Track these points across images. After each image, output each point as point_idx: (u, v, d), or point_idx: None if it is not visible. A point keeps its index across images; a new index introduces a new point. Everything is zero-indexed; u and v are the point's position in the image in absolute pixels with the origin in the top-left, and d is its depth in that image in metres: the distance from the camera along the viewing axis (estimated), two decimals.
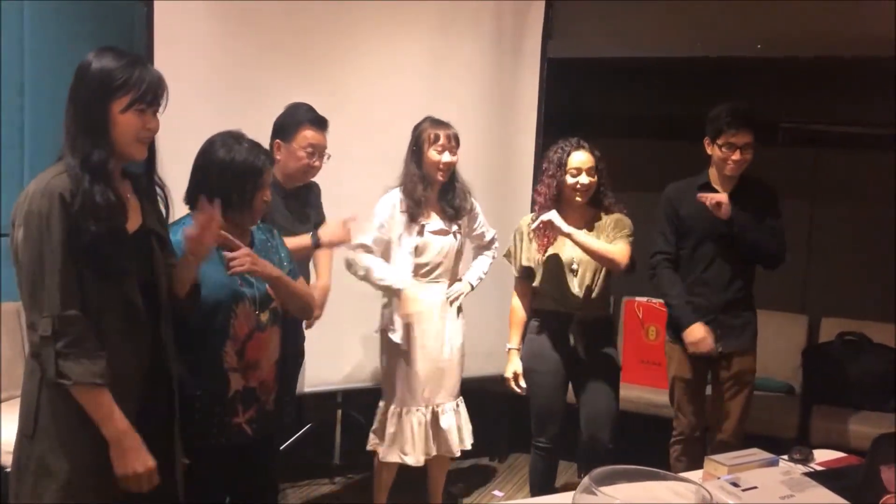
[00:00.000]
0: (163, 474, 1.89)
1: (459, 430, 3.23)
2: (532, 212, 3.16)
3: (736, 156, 3.05)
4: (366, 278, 3.05)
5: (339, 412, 3.94)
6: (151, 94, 1.83)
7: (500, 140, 3.93)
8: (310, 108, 2.92)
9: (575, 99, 4.46)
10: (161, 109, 1.88)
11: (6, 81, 3.30)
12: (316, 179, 3.05)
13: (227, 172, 2.16)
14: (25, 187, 1.79)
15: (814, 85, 4.35)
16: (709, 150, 3.14)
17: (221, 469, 2.25)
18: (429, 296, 3.13)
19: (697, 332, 3.08)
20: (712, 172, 3.18)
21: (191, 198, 2.21)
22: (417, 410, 3.14)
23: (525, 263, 3.10)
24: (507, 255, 3.21)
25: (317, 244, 2.88)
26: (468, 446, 3.29)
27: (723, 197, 3.01)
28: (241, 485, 2.33)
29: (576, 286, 3.01)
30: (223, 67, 3.37)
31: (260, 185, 2.21)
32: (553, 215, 2.88)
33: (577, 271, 3.02)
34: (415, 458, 3.15)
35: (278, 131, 2.89)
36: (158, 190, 1.99)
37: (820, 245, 4.45)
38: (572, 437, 3.19)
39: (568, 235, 2.88)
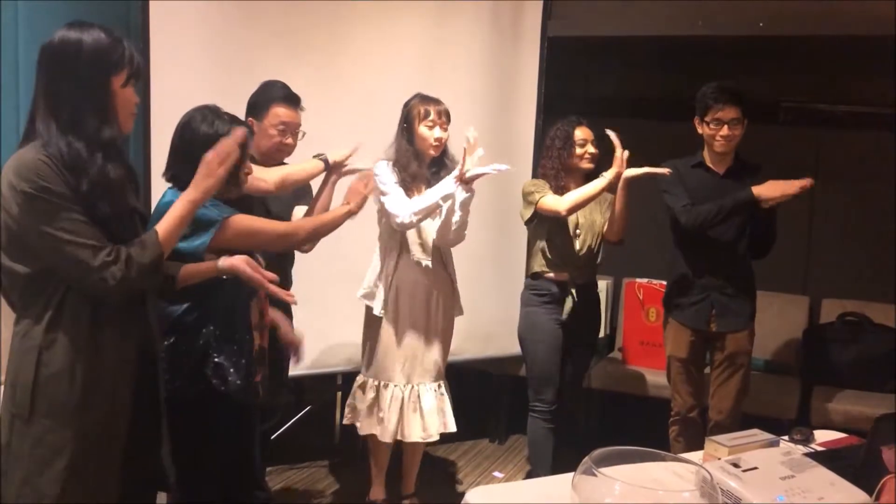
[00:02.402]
0: (151, 453, 1.93)
1: (442, 412, 3.16)
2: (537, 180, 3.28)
3: (724, 131, 3.06)
4: (427, 209, 2.96)
5: (339, 394, 3.94)
6: (140, 67, 1.85)
7: (499, 120, 3.90)
8: (283, 86, 2.86)
9: (575, 78, 4.43)
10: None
11: (2, 69, 3.26)
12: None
13: (209, 146, 2.13)
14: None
15: (815, 64, 4.31)
16: (699, 130, 3.15)
17: (240, 428, 2.29)
18: (414, 271, 3.10)
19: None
20: (706, 153, 3.18)
21: (172, 174, 2.22)
22: (395, 386, 3.10)
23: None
24: (528, 199, 3.23)
25: (326, 165, 2.85)
26: (450, 430, 3.18)
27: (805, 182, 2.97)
28: (250, 445, 2.38)
29: (577, 246, 3.24)
30: (217, 49, 3.34)
31: (244, 156, 2.21)
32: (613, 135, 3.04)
33: (579, 235, 3.24)
34: (387, 435, 3.09)
35: (251, 109, 2.85)
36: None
37: (821, 226, 4.43)
38: None
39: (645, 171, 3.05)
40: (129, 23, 3.55)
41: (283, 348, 2.64)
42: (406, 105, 3.09)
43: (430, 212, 2.97)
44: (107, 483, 1.83)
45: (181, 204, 1.90)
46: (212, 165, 1.93)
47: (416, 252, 3.10)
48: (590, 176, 3.20)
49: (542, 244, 3.27)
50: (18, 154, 1.75)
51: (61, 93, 1.77)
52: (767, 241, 3.15)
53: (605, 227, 3.28)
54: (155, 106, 3.19)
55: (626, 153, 3.00)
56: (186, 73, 3.26)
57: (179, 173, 2.17)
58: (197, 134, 2.17)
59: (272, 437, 3.62)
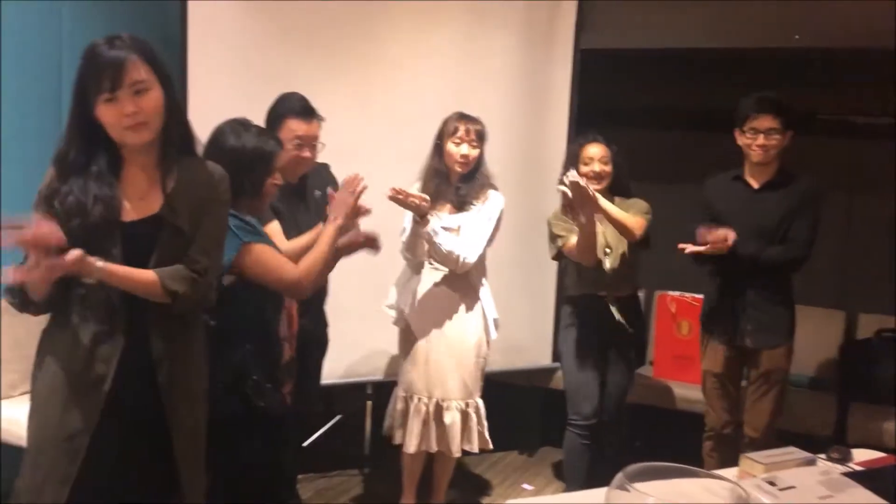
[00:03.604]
0: (151, 461, 1.87)
1: (466, 431, 3.14)
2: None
3: (760, 140, 3.02)
4: (431, 240, 2.98)
5: (369, 403, 3.95)
6: (110, 80, 1.72)
7: (531, 132, 3.91)
8: (299, 98, 2.80)
9: (608, 90, 4.41)
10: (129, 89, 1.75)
11: (44, 89, 3.33)
12: (340, 174, 3.02)
13: (239, 159, 2.18)
14: None
15: (852, 76, 4.26)
16: (738, 140, 3.12)
17: (269, 438, 2.29)
18: (436, 285, 3.12)
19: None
20: (746, 166, 3.15)
21: None
22: (419, 400, 3.11)
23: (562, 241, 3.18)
24: (552, 239, 3.24)
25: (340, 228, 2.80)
26: (472, 449, 3.17)
27: (728, 234, 2.93)
28: (281, 455, 2.39)
29: (607, 264, 3.19)
30: (254, 61, 3.40)
31: (270, 169, 2.24)
32: (574, 175, 2.85)
33: (609, 254, 3.19)
34: (410, 445, 3.11)
35: (267, 123, 2.82)
36: None
37: (858, 239, 4.36)
38: None
39: (593, 198, 2.86)
40: (167, 35, 3.62)
41: (315, 357, 2.65)
42: (444, 121, 3.12)
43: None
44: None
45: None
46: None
47: (438, 262, 3.12)
48: (615, 192, 3.20)
49: (574, 267, 3.26)
50: None
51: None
52: (792, 262, 3.07)
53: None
54: (193, 117, 3.24)
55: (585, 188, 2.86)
56: (223, 86, 3.32)
57: None
58: (225, 147, 2.21)
59: (303, 445, 3.64)
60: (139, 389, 1.84)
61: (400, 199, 2.86)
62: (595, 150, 3.17)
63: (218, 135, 2.24)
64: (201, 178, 1.91)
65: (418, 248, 3.11)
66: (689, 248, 2.98)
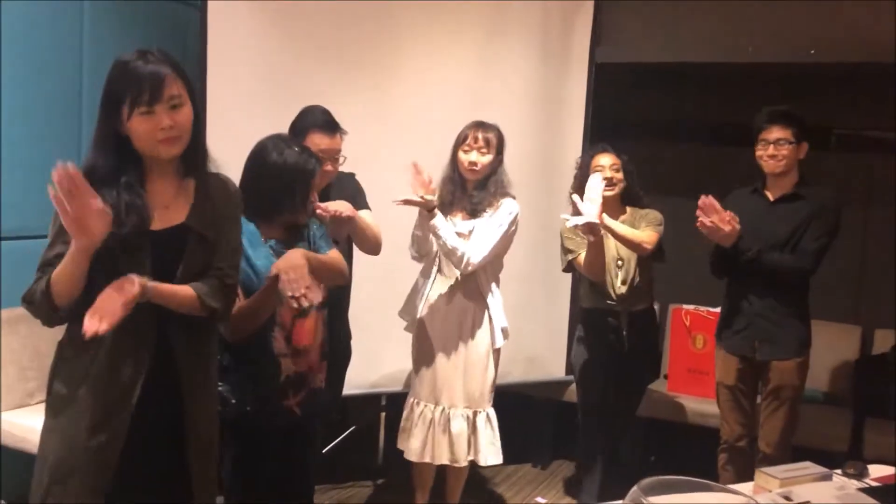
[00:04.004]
0: (171, 480, 1.88)
1: (473, 441, 3.14)
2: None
3: (770, 150, 3.05)
4: (436, 233, 3.00)
5: (383, 415, 3.96)
6: (149, 93, 1.75)
7: (547, 144, 3.92)
8: (322, 112, 2.81)
9: (623, 104, 4.43)
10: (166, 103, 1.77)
11: (65, 88, 3.38)
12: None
13: (280, 175, 2.23)
14: None
15: (868, 91, 4.25)
16: (756, 154, 3.14)
17: (269, 451, 2.31)
18: (446, 293, 3.15)
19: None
20: (767, 178, 3.17)
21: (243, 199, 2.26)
22: (426, 406, 3.14)
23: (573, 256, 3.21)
24: (564, 253, 3.27)
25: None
26: (481, 463, 3.17)
27: (732, 218, 2.95)
28: (285, 468, 2.38)
29: (619, 281, 3.19)
30: (273, 73, 3.44)
31: (310, 186, 2.27)
32: (583, 217, 2.88)
33: (622, 267, 3.20)
34: (413, 453, 3.14)
35: (290, 136, 2.84)
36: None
37: (874, 254, 4.34)
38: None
39: (600, 222, 2.90)
40: (186, 48, 3.67)
41: (334, 369, 2.66)
42: (462, 130, 3.16)
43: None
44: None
45: (70, 252, 1.73)
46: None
47: (447, 270, 3.15)
48: (626, 201, 3.24)
49: (588, 280, 3.27)
50: None
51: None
52: (798, 272, 3.05)
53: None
54: (210, 130, 3.28)
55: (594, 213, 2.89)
56: (241, 97, 3.36)
57: (247, 200, 2.19)
58: (266, 163, 2.24)
59: (322, 454, 3.65)
60: (163, 401, 1.86)
61: (416, 185, 2.91)
62: (606, 160, 3.19)
63: (260, 150, 2.28)
64: (219, 191, 1.95)
65: (424, 244, 3.13)
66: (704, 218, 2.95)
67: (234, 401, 2.22)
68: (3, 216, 3.17)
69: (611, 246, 3.14)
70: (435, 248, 3.13)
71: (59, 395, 1.85)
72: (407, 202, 2.92)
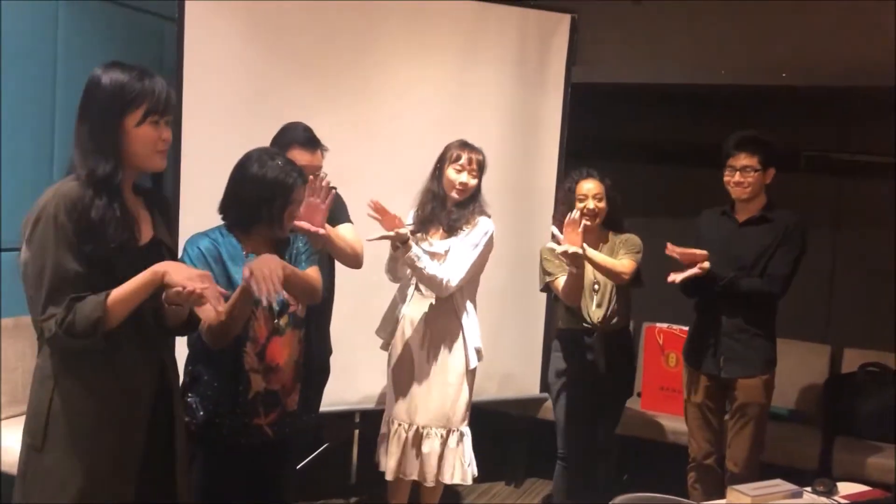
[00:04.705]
0: (165, 490, 1.94)
1: (443, 460, 3.12)
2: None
3: (736, 177, 3.11)
4: (414, 265, 2.99)
5: (357, 432, 3.94)
6: (163, 104, 1.83)
7: (523, 163, 3.95)
8: (304, 129, 2.82)
9: (598, 124, 4.48)
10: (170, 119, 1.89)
11: (37, 101, 3.36)
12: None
13: (259, 187, 2.23)
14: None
15: (837, 113, 4.34)
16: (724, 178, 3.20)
17: (238, 468, 2.29)
18: (422, 313, 3.15)
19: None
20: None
21: (224, 209, 2.30)
22: (400, 425, 3.14)
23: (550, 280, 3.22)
24: (542, 273, 3.26)
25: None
26: (447, 481, 3.15)
27: (702, 254, 3.00)
28: (254, 486, 2.35)
29: (594, 305, 3.20)
30: (251, 87, 3.43)
31: (290, 201, 2.27)
32: (568, 246, 2.91)
33: (598, 291, 3.20)
34: (389, 472, 3.14)
35: None
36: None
37: (842, 275, 4.42)
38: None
39: (582, 253, 2.93)
40: (163, 61, 3.66)
41: (311, 386, 2.65)
42: (446, 146, 3.16)
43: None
44: None
45: (147, 274, 1.79)
46: (184, 277, 1.79)
47: (425, 290, 3.15)
48: (609, 227, 3.24)
49: (559, 306, 3.31)
50: (55, 185, 1.82)
51: (78, 129, 1.83)
52: (769, 295, 3.10)
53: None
54: (185, 143, 3.28)
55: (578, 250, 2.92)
56: (218, 112, 3.35)
57: (227, 209, 2.29)
58: (247, 174, 2.25)
59: (294, 472, 3.61)
60: (162, 408, 1.94)
61: (377, 218, 2.89)
62: (589, 187, 3.17)
63: (244, 161, 2.28)
64: (164, 205, 2.07)
65: (398, 270, 3.14)
66: (675, 276, 3.02)
67: (201, 412, 2.22)
68: (3, 227, 3.14)
69: (588, 271, 3.15)
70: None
71: (64, 410, 1.81)
72: (382, 238, 2.91)
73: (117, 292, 1.75)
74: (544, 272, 3.25)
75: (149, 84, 1.82)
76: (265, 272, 2.04)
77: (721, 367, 3.14)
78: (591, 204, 3.15)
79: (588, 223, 3.08)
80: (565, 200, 3.19)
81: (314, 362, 2.96)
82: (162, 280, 1.78)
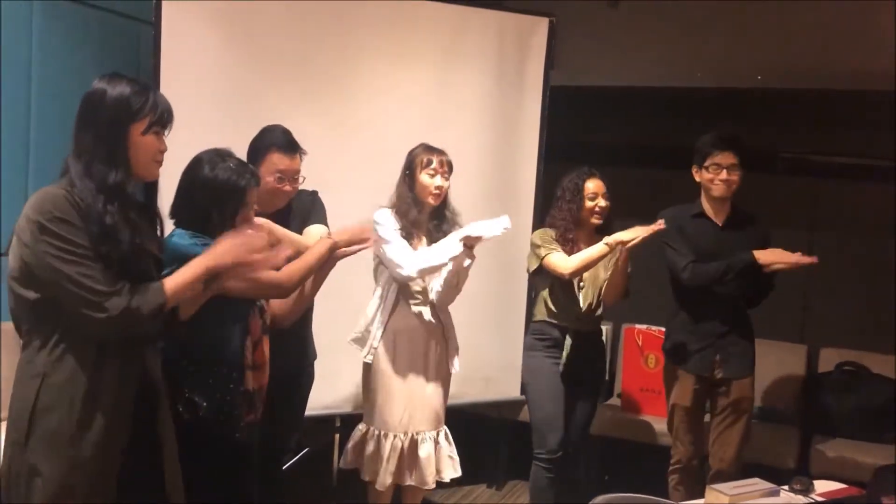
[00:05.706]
0: (154, 490, 1.94)
1: (438, 460, 3.15)
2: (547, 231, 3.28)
3: (723, 175, 3.11)
4: (433, 268, 3.00)
5: (338, 437, 3.92)
6: (166, 116, 1.94)
7: (501, 166, 3.95)
8: (283, 132, 2.80)
9: (576, 127, 4.50)
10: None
11: (12, 107, 3.31)
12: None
13: (209, 190, 2.18)
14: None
15: (813, 116, 4.39)
16: (697, 178, 3.20)
17: (236, 465, 2.28)
18: (411, 319, 3.12)
19: None
20: (704, 202, 3.23)
21: (175, 213, 2.24)
22: (395, 437, 3.09)
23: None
24: (535, 251, 3.25)
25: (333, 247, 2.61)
26: (445, 479, 3.19)
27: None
28: (248, 484, 2.36)
29: (581, 301, 3.24)
30: (230, 91, 3.41)
31: (242, 204, 2.22)
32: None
33: (583, 288, 3.25)
34: (381, 482, 3.09)
35: (250, 154, 2.78)
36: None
37: (819, 275, 4.46)
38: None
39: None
40: (140, 65, 3.63)
41: (294, 390, 2.63)
42: (410, 153, 3.13)
43: (435, 270, 3.01)
44: None
45: (196, 265, 1.94)
46: (240, 251, 1.99)
47: (416, 300, 3.12)
48: (600, 229, 3.23)
49: (545, 294, 3.31)
50: (44, 188, 1.84)
51: (83, 139, 1.87)
52: (762, 293, 3.20)
53: (605, 287, 3.27)
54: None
55: (638, 235, 2.99)
56: (195, 115, 3.30)
57: (179, 212, 2.22)
58: (197, 176, 2.20)
59: (276, 477, 3.59)
60: (150, 403, 1.96)
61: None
62: (598, 184, 3.22)
63: (194, 164, 2.23)
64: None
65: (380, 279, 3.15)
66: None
67: (204, 403, 2.17)
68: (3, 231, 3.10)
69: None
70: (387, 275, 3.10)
71: (50, 407, 1.82)
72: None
73: (172, 282, 1.89)
74: (536, 252, 3.22)
75: (153, 96, 1.92)
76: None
77: (717, 368, 3.16)
78: (602, 202, 3.20)
79: (597, 221, 3.17)
80: (573, 199, 3.20)
81: (302, 368, 2.96)
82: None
